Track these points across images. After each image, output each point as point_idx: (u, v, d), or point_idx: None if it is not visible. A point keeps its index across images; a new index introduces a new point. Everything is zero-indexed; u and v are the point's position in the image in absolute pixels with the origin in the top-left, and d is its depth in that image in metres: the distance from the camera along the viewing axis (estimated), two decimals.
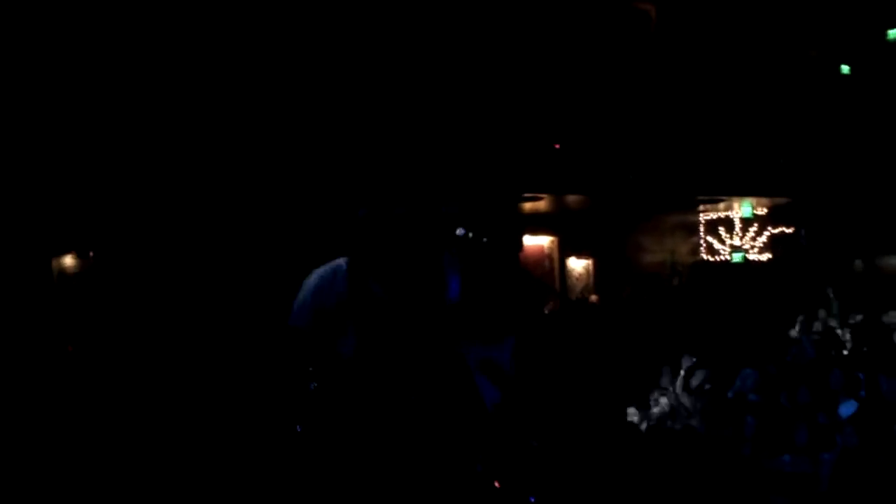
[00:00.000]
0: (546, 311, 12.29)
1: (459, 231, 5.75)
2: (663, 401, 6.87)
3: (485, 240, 5.82)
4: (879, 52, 15.52)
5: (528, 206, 13.69)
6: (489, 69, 11.37)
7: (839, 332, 7.90)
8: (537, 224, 14.20)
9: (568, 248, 14.84)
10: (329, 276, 4.03)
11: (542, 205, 13.69)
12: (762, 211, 14.74)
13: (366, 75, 10.13)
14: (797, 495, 5.47)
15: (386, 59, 10.43)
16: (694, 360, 7.62)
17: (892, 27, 15.23)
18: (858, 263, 12.35)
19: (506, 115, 11.46)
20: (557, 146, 11.62)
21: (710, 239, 15.17)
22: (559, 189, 12.37)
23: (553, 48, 12.10)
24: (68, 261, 9.40)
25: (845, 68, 15.39)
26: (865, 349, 7.50)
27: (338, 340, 3.75)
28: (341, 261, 4.15)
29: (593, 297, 14.18)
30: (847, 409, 6.09)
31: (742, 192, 14.28)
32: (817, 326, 8.39)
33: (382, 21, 10.44)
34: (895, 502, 4.97)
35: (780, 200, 14.22)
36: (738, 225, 14.89)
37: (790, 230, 13.79)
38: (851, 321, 8.58)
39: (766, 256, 14.53)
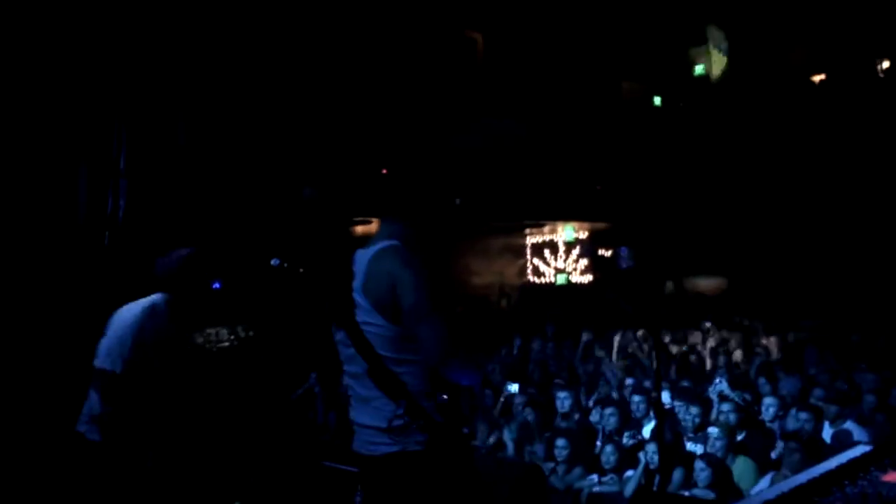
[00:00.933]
0: None
1: (274, 261, 5.66)
2: (481, 427, 7.01)
3: (301, 270, 5.75)
4: (688, 85, 16.71)
5: (359, 229, 13.68)
6: (316, 95, 11.29)
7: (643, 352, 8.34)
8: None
9: None
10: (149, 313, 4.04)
11: (372, 228, 13.72)
12: (584, 234, 15.41)
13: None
14: None
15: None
16: (515, 386, 7.82)
17: (698, 64, 16.43)
18: (669, 285, 13.14)
19: (334, 140, 11.42)
20: (385, 171, 11.68)
21: (535, 261, 15.69)
22: (387, 213, 12.42)
23: (380, 74, 12.19)
24: None
25: (657, 100, 16.44)
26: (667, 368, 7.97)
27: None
28: (158, 297, 4.07)
29: None
30: (649, 429, 6.43)
31: (564, 217, 14.88)
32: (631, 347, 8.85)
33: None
34: None
35: (600, 225, 14.92)
36: (561, 248, 15.49)
37: (608, 253, 14.48)
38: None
39: (587, 278, 15.18)
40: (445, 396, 2.88)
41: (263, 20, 10.91)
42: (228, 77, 10.49)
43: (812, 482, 3.27)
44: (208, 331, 12.51)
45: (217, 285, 12.70)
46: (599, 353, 8.57)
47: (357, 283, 2.92)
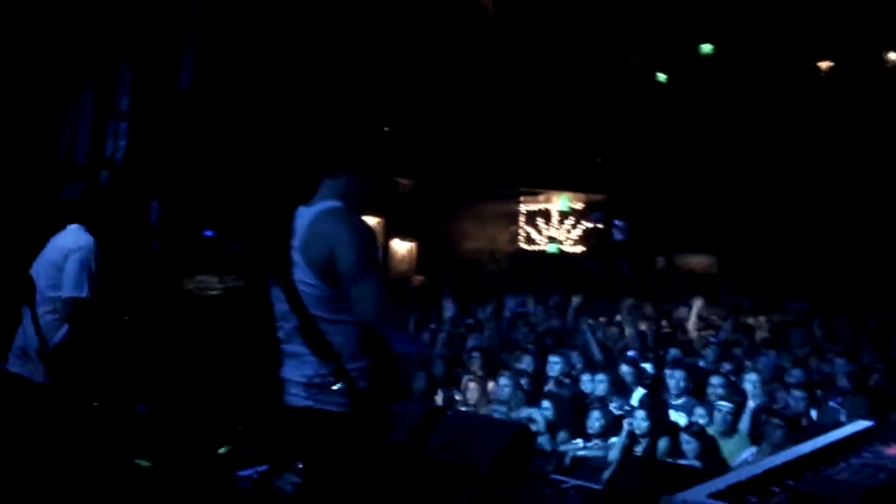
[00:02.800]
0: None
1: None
2: (472, 386, 7.09)
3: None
4: (693, 63, 16.65)
5: None
6: (321, 59, 11.22)
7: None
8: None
9: (392, 230, 14.97)
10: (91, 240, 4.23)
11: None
12: (579, 205, 15.47)
13: None
14: (588, 477, 5.80)
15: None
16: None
17: (704, 42, 16.36)
18: (660, 260, 13.24)
19: (339, 99, 11.37)
20: (387, 129, 11.66)
21: (528, 229, 15.74)
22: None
23: (390, 37, 12.11)
24: None
25: (662, 76, 16.39)
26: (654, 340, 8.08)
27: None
28: (76, 227, 4.26)
29: (418, 279, 14.41)
30: (637, 396, 6.55)
31: (560, 186, 14.92)
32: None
33: None
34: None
35: (596, 197, 14.97)
36: (555, 217, 15.54)
37: (602, 225, 14.54)
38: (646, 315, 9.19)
39: (579, 249, 15.27)
40: (369, 361, 2.92)
41: None
42: (234, 23, 10.41)
43: (816, 452, 3.37)
44: (199, 277, 12.54)
45: (210, 233, 12.69)
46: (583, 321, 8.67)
47: (296, 241, 2.94)
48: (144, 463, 5.72)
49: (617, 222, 9.29)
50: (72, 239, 4.19)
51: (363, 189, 3.07)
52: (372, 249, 2.92)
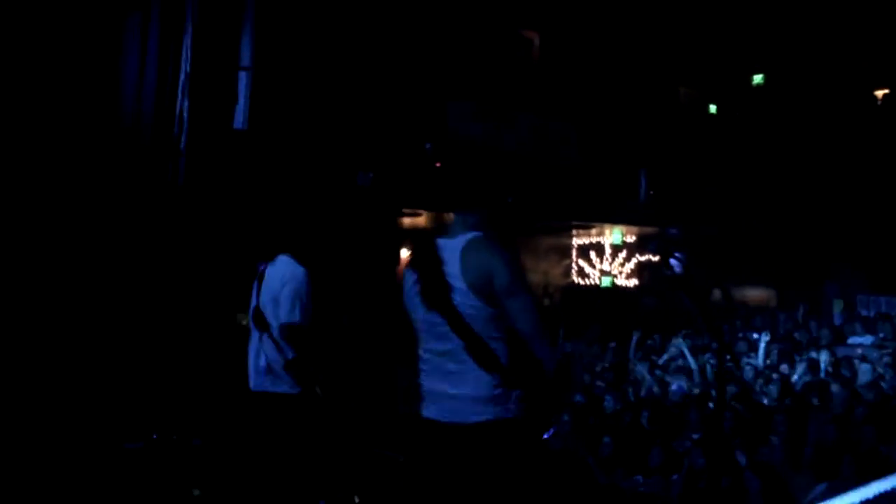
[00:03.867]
0: None
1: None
2: None
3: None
4: (745, 94, 16.50)
5: (407, 221, 13.73)
6: (375, 85, 11.37)
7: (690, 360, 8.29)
8: (416, 239, 14.18)
9: None
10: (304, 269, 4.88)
11: (421, 221, 13.77)
12: (631, 238, 15.34)
13: None
14: None
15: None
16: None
17: (757, 73, 16.22)
18: (717, 293, 13.00)
19: (389, 131, 11.49)
20: (438, 164, 11.73)
21: (581, 263, 15.63)
22: (438, 206, 12.46)
23: (436, 71, 12.23)
24: None
25: (713, 107, 16.26)
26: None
27: None
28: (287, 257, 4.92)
29: None
30: (697, 433, 6.41)
31: (612, 220, 14.81)
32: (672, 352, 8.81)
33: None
34: None
35: (648, 229, 14.82)
36: (608, 250, 15.42)
37: (656, 258, 14.36)
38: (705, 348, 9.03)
39: (633, 282, 15.12)
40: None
41: (324, 12, 11.03)
42: (289, 63, 10.63)
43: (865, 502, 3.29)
44: (240, 315, 12.66)
45: (262, 267, 12.83)
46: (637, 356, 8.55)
47: (452, 269, 3.25)
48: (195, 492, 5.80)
49: (675, 255, 9.12)
50: (286, 271, 4.81)
51: (491, 223, 3.44)
52: (522, 270, 3.28)
